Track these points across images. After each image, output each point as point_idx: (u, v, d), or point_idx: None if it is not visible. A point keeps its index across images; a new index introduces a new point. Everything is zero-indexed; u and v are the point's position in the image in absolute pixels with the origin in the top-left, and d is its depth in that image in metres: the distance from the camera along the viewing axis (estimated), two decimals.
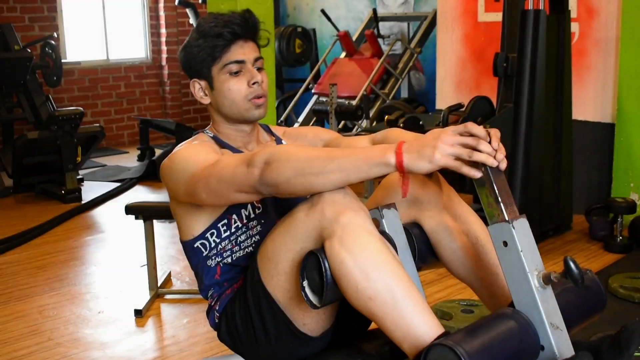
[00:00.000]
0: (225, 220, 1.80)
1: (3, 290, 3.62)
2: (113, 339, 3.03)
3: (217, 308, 1.84)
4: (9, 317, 3.28)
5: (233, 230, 1.80)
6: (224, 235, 1.81)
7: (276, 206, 1.84)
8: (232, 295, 1.81)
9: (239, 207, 1.79)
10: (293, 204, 1.68)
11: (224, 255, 1.82)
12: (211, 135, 1.91)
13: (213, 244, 1.81)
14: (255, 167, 1.54)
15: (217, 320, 1.84)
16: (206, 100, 1.90)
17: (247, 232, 1.81)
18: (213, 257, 1.82)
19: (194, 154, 1.73)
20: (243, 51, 1.84)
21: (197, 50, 1.84)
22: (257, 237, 1.81)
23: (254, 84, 1.83)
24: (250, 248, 1.81)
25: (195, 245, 1.83)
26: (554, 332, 1.50)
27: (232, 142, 1.90)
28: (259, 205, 1.82)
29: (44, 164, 5.53)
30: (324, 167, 1.49)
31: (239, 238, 1.81)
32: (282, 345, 1.70)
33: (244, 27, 1.84)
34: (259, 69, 1.88)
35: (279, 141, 2.02)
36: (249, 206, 1.80)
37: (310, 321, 1.66)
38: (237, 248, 1.81)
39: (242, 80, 1.84)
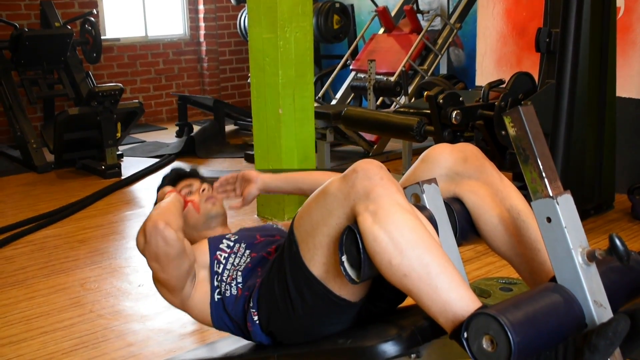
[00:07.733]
0: (215, 261, 1.97)
1: (46, 263, 3.70)
2: (153, 311, 3.08)
3: (251, 304, 1.83)
4: (51, 289, 3.35)
5: (223, 262, 1.97)
6: (221, 271, 1.96)
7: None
8: (262, 279, 1.82)
9: (216, 245, 2.00)
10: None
11: (234, 279, 1.93)
12: None
13: (220, 284, 1.94)
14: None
15: (255, 317, 1.82)
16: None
17: (237, 254, 1.98)
18: (229, 289, 1.92)
19: None
20: (190, 181, 2.22)
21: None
22: (248, 250, 1.98)
23: (202, 190, 2.18)
24: (249, 257, 1.96)
25: (217, 300, 1.94)
26: (597, 310, 1.47)
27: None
28: (233, 233, 2.06)
29: (84, 139, 5.60)
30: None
31: (235, 261, 1.96)
32: (318, 313, 1.70)
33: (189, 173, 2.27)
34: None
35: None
36: (224, 239, 2.02)
37: (347, 292, 1.66)
38: (239, 267, 1.94)
39: (195, 195, 2.18)
